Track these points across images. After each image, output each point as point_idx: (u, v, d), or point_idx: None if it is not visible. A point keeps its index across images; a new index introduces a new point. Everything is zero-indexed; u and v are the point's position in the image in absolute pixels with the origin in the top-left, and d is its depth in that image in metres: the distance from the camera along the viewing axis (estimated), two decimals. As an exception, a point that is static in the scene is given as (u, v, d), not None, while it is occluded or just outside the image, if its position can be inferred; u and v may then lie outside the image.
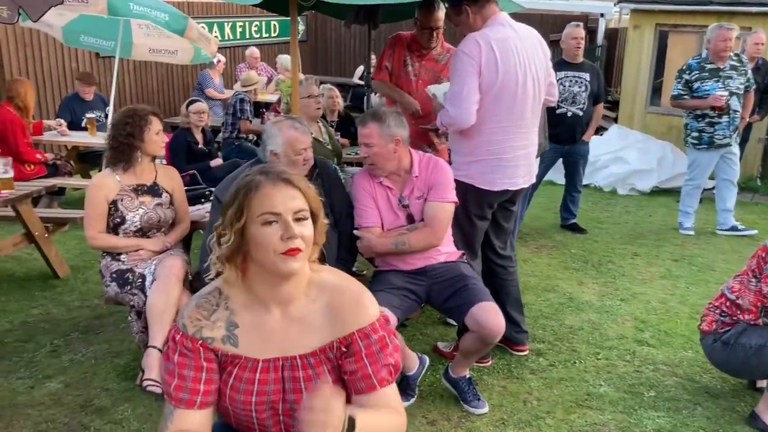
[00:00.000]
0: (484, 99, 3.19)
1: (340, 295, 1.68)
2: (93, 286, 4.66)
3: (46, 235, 4.65)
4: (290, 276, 1.61)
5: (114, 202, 3.32)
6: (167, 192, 3.47)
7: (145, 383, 3.05)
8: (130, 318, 3.33)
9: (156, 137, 3.39)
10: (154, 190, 3.43)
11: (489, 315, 2.93)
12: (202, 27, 7.32)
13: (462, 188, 3.24)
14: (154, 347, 3.09)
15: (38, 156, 5.94)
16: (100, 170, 6.51)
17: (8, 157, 4.32)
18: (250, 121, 7.06)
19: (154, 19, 5.94)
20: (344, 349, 1.65)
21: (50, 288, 4.62)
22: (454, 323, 3.97)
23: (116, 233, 3.36)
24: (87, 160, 6.82)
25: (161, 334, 3.10)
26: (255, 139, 7.16)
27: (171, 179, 3.51)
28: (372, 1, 4.53)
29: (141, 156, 3.37)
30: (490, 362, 3.62)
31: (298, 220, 1.60)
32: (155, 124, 3.40)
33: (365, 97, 10.32)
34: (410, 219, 3.15)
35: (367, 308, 1.67)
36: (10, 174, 4.23)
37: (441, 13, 4.13)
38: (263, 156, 3.14)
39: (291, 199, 1.60)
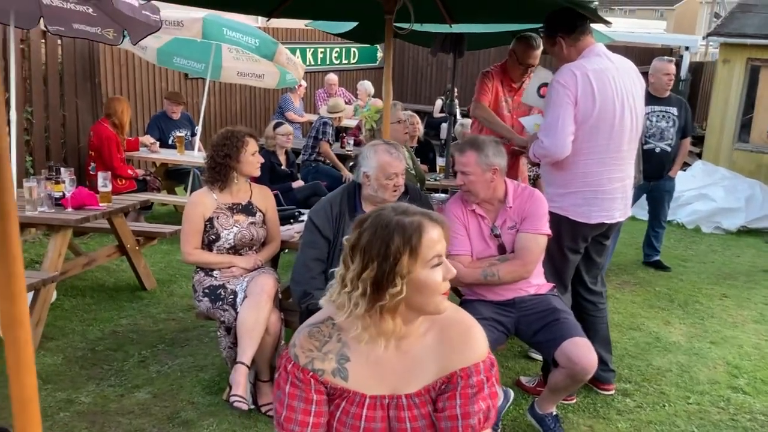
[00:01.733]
0: (580, 130, 3.15)
1: (450, 329, 1.65)
2: (177, 300, 4.79)
3: (137, 248, 4.82)
4: (442, 314, 1.62)
5: (210, 220, 3.41)
6: (261, 211, 3.54)
7: (232, 399, 3.09)
8: (219, 333, 3.40)
9: (252, 158, 3.48)
10: (248, 209, 3.51)
11: (582, 351, 2.86)
12: (286, 52, 7.50)
13: (556, 220, 3.18)
14: (242, 363, 3.14)
15: (130, 171, 6.19)
16: (185, 187, 6.79)
17: (108, 172, 4.51)
18: (330, 144, 7.19)
19: (245, 45, 6.15)
20: (443, 387, 1.63)
21: (138, 299, 4.77)
22: (537, 357, 3.90)
23: (210, 250, 3.45)
24: (174, 177, 7.06)
25: (250, 351, 3.15)
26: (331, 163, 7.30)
27: (265, 199, 3.58)
28: (465, 29, 4.54)
29: (237, 176, 3.46)
30: (575, 400, 3.51)
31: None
32: (251, 146, 3.49)
33: (445, 124, 10.38)
34: (501, 249, 3.10)
35: (475, 346, 1.64)
36: (109, 188, 4.41)
37: (540, 50, 4.09)
38: (357, 176, 3.18)
39: (443, 240, 1.60)
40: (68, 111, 6.64)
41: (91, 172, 5.96)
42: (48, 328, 4.06)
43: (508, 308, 3.09)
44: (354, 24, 5.27)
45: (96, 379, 3.58)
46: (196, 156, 6.49)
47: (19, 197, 4.40)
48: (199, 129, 6.93)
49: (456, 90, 9.83)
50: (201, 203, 3.44)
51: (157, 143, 6.69)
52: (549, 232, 3.07)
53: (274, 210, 3.63)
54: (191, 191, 6.58)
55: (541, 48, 4.12)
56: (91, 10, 4.65)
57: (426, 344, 1.65)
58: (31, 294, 3.91)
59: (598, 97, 3.12)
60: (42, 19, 4.62)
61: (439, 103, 11.02)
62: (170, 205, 7.12)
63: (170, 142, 6.98)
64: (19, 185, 4.52)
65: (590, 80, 3.13)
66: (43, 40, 6.26)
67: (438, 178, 5.84)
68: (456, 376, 1.61)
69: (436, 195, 4.32)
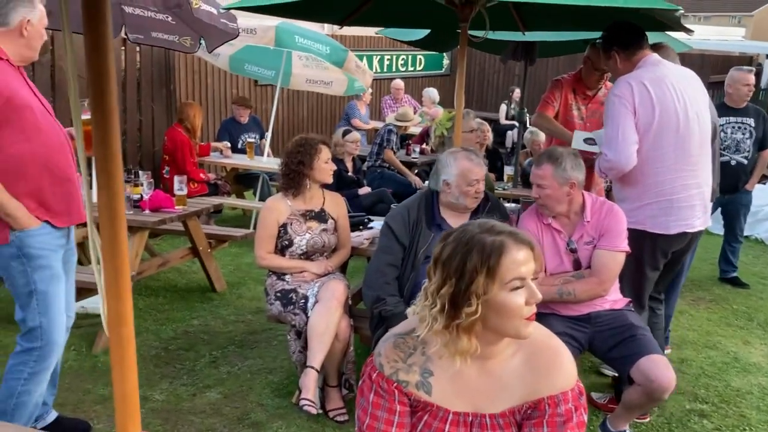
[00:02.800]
0: (644, 139, 3.11)
1: (538, 354, 1.62)
2: (246, 302, 4.88)
3: (209, 250, 4.93)
4: (525, 339, 1.58)
5: (284, 226, 3.47)
6: (333, 218, 3.58)
7: (302, 402, 3.12)
8: (288, 337, 3.44)
9: (325, 165, 3.53)
10: (321, 216, 3.55)
11: (659, 369, 2.77)
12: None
13: (633, 236, 3.09)
14: (312, 368, 3.17)
15: (202, 176, 6.36)
16: (254, 192, 6.93)
17: (184, 176, 4.64)
18: (394, 152, 7.23)
19: (316, 52, 6.24)
20: (529, 412, 1.61)
21: (208, 300, 4.88)
22: (608, 373, 3.81)
23: (283, 254, 3.50)
24: (243, 182, 7.21)
25: (320, 356, 3.18)
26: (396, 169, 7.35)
27: (337, 206, 3.62)
28: (537, 37, 4.49)
29: (310, 183, 3.51)
30: (649, 419, 3.41)
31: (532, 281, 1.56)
32: (324, 153, 3.54)
33: (511, 132, 10.29)
34: (576, 265, 3.04)
35: (564, 374, 1.61)
36: (185, 191, 4.53)
37: None
38: (435, 185, 3.18)
39: (530, 262, 1.55)
40: (144, 116, 6.87)
41: (165, 176, 6.16)
42: (124, 326, 4.19)
43: (582, 323, 3.02)
44: (425, 32, 5.28)
45: (169, 378, 3.68)
46: (266, 161, 6.61)
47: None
48: (268, 135, 7.07)
49: (517, 93, 9.70)
50: (276, 209, 3.50)
51: (230, 149, 6.85)
52: (627, 249, 2.99)
53: (346, 217, 3.66)
54: (260, 196, 6.71)
55: None
56: (170, 18, 4.79)
57: (513, 367, 1.62)
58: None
59: (658, 104, 3.09)
60: (124, 27, 4.79)
61: (503, 108, 10.94)
62: (238, 209, 7.27)
63: (240, 146, 7.14)
64: (100, 187, 4.70)
65: (647, 88, 3.11)
66: (123, 48, 6.50)
67: (506, 187, 5.78)
68: (543, 403, 1.58)
69: (507, 205, 4.27)
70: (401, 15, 4.52)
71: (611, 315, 3.03)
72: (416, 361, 1.63)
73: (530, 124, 4.26)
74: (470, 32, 3.96)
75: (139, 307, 4.65)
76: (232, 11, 4.64)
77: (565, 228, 3.05)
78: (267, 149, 6.85)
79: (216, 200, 5.40)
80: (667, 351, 4.00)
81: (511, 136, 10.16)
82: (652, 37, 4.50)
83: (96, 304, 4.30)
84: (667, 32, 4.59)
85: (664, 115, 3.09)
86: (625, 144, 3.07)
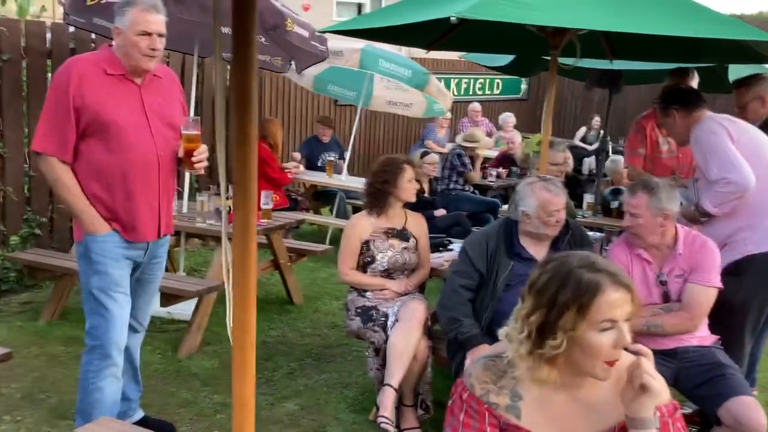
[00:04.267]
0: (751, 163, 3.14)
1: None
2: (322, 316, 4.97)
3: (289, 263, 5.06)
4: (602, 381, 1.57)
5: (366, 242, 3.55)
6: (414, 237, 3.63)
7: (379, 420, 3.16)
8: (367, 354, 3.48)
9: (408, 184, 3.60)
10: (402, 235, 3.61)
11: (750, 411, 2.68)
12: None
13: (760, 263, 3.13)
14: (390, 386, 3.20)
15: (289, 176, 6.52)
16: (331, 209, 7.07)
17: (270, 191, 4.79)
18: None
19: (398, 76, 6.36)
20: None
21: (285, 313, 5.00)
22: (687, 410, 3.69)
23: (365, 271, 3.58)
24: (320, 198, 7.38)
25: (398, 375, 3.21)
26: (471, 189, 7.35)
27: (419, 226, 3.68)
28: (624, 65, 4.46)
29: (394, 201, 3.58)
30: (734, 462, 3.28)
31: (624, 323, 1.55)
32: (408, 173, 3.61)
33: (587, 159, 10.12)
34: (665, 298, 2.98)
35: None
36: (270, 205, 4.69)
37: (695, 81, 3.97)
38: (515, 214, 3.18)
39: (626, 304, 1.54)
40: (232, 132, 7.11)
41: (248, 189, 6.35)
42: (206, 334, 4.34)
43: (668, 358, 2.95)
44: (509, 58, 5.29)
45: (248, 386, 3.78)
46: (344, 179, 6.75)
47: (190, 210, 4.77)
48: (348, 154, 7.21)
49: (597, 120, 9.53)
50: (360, 225, 3.59)
51: (301, 166, 7.02)
52: (720, 285, 2.93)
53: (426, 237, 3.71)
54: (336, 213, 6.85)
55: (697, 79, 4.03)
56: (263, 40, 4.99)
57: (603, 393, 1.62)
58: (194, 300, 4.21)
59: (745, 127, 3.28)
60: (219, 47, 5.00)
61: (582, 130, 10.83)
62: (315, 225, 7.43)
63: (319, 164, 7.31)
64: (191, 199, 4.92)
65: (731, 120, 3.29)
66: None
67: (585, 215, 5.68)
68: None
69: (590, 233, 4.21)
70: (487, 40, 4.56)
71: (699, 351, 2.95)
72: (506, 384, 1.64)
73: (627, 178, 4.33)
74: (560, 60, 3.96)
75: (220, 315, 4.72)
76: (323, 34, 4.79)
77: (655, 259, 3.00)
78: (345, 168, 6.99)
79: (298, 216, 5.55)
80: (754, 393, 3.84)
81: (588, 163, 10.01)
82: (750, 68, 4.42)
83: (181, 310, 4.48)
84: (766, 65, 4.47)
85: (755, 136, 3.26)
86: (741, 163, 3.13)
